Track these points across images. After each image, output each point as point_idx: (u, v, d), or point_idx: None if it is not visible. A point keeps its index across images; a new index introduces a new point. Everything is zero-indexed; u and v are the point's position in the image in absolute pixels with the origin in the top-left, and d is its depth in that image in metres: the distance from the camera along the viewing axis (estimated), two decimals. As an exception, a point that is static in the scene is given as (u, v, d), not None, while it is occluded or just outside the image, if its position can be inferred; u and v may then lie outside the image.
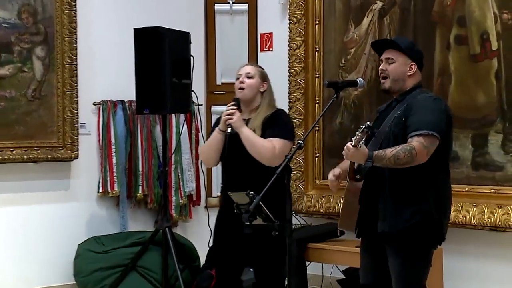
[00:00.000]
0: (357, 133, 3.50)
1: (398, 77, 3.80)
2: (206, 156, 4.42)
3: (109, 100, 5.68)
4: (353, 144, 3.49)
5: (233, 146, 4.24)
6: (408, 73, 3.80)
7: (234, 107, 4.23)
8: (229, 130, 4.20)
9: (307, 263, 5.20)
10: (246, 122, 4.28)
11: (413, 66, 3.81)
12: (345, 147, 3.54)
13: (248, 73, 4.32)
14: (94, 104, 5.67)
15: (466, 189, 4.80)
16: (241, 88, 4.29)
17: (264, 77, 4.36)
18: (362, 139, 3.49)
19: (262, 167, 4.15)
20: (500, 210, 4.64)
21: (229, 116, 4.21)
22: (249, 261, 4.40)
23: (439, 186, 3.73)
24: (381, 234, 3.72)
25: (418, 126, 3.61)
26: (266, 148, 4.14)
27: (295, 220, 5.49)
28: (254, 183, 3.86)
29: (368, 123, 3.51)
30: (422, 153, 3.57)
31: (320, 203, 5.55)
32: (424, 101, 3.71)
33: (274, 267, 4.28)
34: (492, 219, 4.64)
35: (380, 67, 3.86)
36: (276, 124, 4.26)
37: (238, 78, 4.33)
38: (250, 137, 4.18)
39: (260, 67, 4.42)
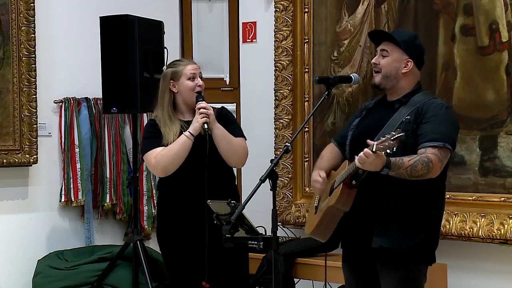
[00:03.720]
0: (382, 138, 3.48)
1: (390, 73, 3.83)
2: (172, 166, 4.41)
3: (72, 98, 5.66)
4: (374, 150, 3.47)
5: (200, 148, 4.33)
6: (403, 70, 3.83)
7: (205, 102, 4.38)
8: (205, 126, 4.32)
9: (295, 280, 5.19)
10: (190, 123, 4.42)
11: (409, 63, 3.82)
12: (362, 153, 3.52)
13: (200, 73, 4.51)
14: (55, 102, 5.64)
15: (473, 197, 4.81)
16: (199, 92, 4.44)
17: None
18: (390, 148, 3.47)
19: (227, 171, 4.39)
20: (511, 221, 4.65)
21: (206, 111, 4.33)
22: (208, 277, 4.43)
23: (441, 202, 3.82)
24: (377, 250, 3.74)
25: (433, 137, 3.65)
26: (242, 147, 4.36)
27: (282, 233, 5.48)
28: (221, 188, 4.21)
29: (403, 133, 3.49)
30: (437, 166, 3.63)
31: (310, 213, 5.54)
32: (436, 109, 3.74)
33: (237, 283, 4.40)
34: (502, 231, 4.64)
35: (373, 60, 3.90)
36: (233, 124, 4.50)
37: (191, 78, 4.45)
38: (227, 135, 4.35)
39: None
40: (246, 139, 4.51)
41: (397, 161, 3.59)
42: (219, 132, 4.34)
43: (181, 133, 4.39)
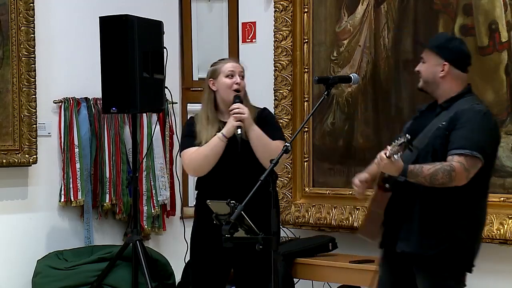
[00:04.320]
0: (393, 143, 3.52)
1: (428, 78, 3.83)
2: (203, 167, 4.33)
3: (71, 98, 5.65)
4: (388, 155, 3.50)
5: (232, 150, 4.25)
6: (440, 74, 3.79)
7: (241, 104, 4.25)
8: (239, 131, 4.20)
9: (295, 280, 5.20)
10: None
11: (445, 66, 3.79)
12: (378, 156, 3.58)
13: (242, 72, 4.38)
14: (55, 102, 5.64)
15: (473, 197, 4.80)
16: (237, 90, 4.32)
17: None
18: (398, 153, 3.50)
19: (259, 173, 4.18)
20: (510, 221, 4.65)
21: (239, 115, 4.21)
22: (232, 280, 4.43)
23: (476, 211, 3.76)
24: (402, 254, 3.77)
25: (461, 144, 3.62)
26: (277, 148, 4.09)
27: (282, 233, 5.48)
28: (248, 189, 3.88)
29: (408, 136, 3.52)
30: (461, 175, 3.60)
31: (309, 213, 5.54)
32: (472, 115, 3.69)
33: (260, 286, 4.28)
34: (502, 231, 4.65)
35: (416, 68, 3.89)
36: (272, 125, 4.36)
37: (229, 76, 4.34)
38: (263, 136, 4.23)
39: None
40: (285, 141, 4.31)
41: (416, 169, 3.60)
42: (255, 134, 4.23)
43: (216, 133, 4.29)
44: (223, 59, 4.51)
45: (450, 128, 3.68)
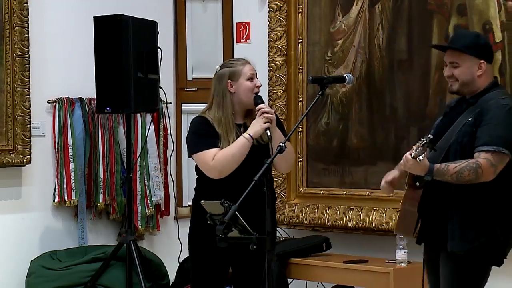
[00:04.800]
0: (418, 143, 3.54)
1: (467, 80, 3.82)
2: (229, 168, 4.23)
3: (65, 98, 5.64)
4: (413, 156, 3.53)
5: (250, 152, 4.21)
6: (478, 73, 3.81)
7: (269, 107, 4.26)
8: (268, 132, 4.15)
9: (289, 280, 5.19)
10: (244, 127, 4.30)
11: (482, 65, 3.80)
12: (404, 157, 3.63)
13: (257, 73, 4.37)
14: (49, 102, 5.63)
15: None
16: (257, 93, 4.30)
17: None
18: (423, 154, 3.53)
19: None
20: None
21: (269, 115, 4.17)
22: (230, 280, 4.44)
23: (507, 205, 3.76)
24: (451, 253, 3.78)
25: (487, 141, 3.65)
26: (293, 153, 4.19)
27: (277, 233, 5.47)
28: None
29: (430, 136, 3.54)
30: (488, 171, 3.63)
31: (304, 213, 5.54)
32: (497, 110, 3.71)
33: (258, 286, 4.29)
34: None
35: (446, 73, 3.87)
36: (282, 127, 4.34)
37: (250, 79, 4.31)
38: (283, 138, 4.18)
39: None
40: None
41: (442, 168, 3.64)
42: (278, 135, 4.20)
43: (236, 136, 4.25)
44: (237, 60, 4.44)
45: (477, 124, 3.71)
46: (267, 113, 4.17)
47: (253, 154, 4.18)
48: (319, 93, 3.94)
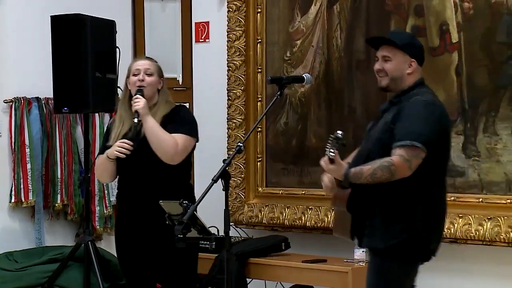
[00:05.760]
0: (328, 142, 3.55)
1: (396, 75, 3.84)
2: (102, 178, 4.80)
3: (22, 97, 5.60)
4: (328, 157, 3.53)
5: (140, 147, 4.35)
6: (408, 71, 3.83)
7: (140, 95, 4.37)
8: (135, 120, 4.32)
9: (248, 280, 5.19)
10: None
11: (412, 63, 3.84)
12: (321, 161, 3.64)
13: (148, 69, 4.47)
14: (5, 101, 5.59)
15: (424, 196, 4.85)
16: (140, 86, 4.42)
17: (161, 74, 4.53)
18: (331, 149, 3.54)
19: (166, 168, 4.32)
20: (460, 220, 4.70)
21: (119, 149, 4.34)
22: (158, 276, 4.50)
23: (430, 201, 3.78)
24: (374, 250, 3.80)
25: (401, 136, 3.65)
26: (169, 142, 4.30)
27: (235, 233, 5.48)
28: (159, 185, 4.22)
29: (338, 132, 3.55)
30: (403, 167, 3.63)
31: (263, 213, 5.55)
32: (414, 106, 3.73)
33: (182, 282, 4.42)
34: (452, 230, 4.70)
35: (376, 67, 3.89)
36: (177, 120, 4.43)
37: (135, 74, 4.45)
38: (155, 128, 4.32)
39: (157, 62, 4.57)
40: (187, 134, 4.40)
41: (357, 172, 3.66)
42: (148, 124, 4.31)
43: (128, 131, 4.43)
44: (137, 57, 4.74)
45: (395, 121, 3.72)
46: (119, 146, 4.35)
47: (142, 147, 4.34)
48: (278, 93, 3.95)
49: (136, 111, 4.32)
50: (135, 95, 4.39)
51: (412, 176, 3.66)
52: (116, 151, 4.33)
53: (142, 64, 4.48)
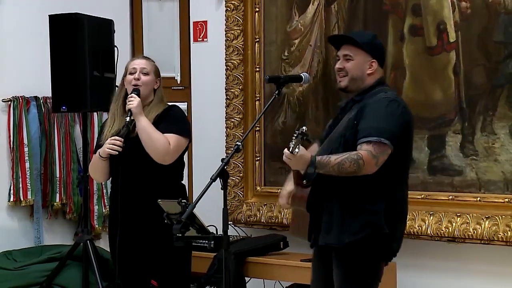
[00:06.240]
0: (293, 137, 3.54)
1: (356, 75, 3.85)
2: (95, 178, 4.78)
3: (20, 97, 5.60)
4: (290, 150, 3.52)
5: (129, 145, 4.37)
6: (368, 71, 3.85)
7: (135, 95, 4.39)
8: (127, 118, 4.34)
9: (246, 279, 5.20)
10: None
11: (373, 64, 3.86)
12: (284, 154, 3.63)
13: (144, 68, 4.49)
14: (4, 101, 5.58)
15: (422, 195, 4.86)
16: (136, 85, 4.43)
17: (158, 74, 4.56)
18: (298, 145, 3.53)
19: (158, 168, 4.33)
20: (458, 219, 4.71)
21: (111, 147, 4.35)
22: (152, 274, 4.50)
23: (392, 198, 3.78)
24: (325, 247, 3.77)
25: (368, 132, 3.66)
26: (161, 142, 4.32)
27: (233, 232, 5.48)
28: (151, 185, 4.31)
29: (303, 128, 3.54)
30: (370, 163, 3.63)
31: (261, 212, 5.55)
32: (377, 103, 3.75)
33: (177, 280, 4.44)
34: (450, 229, 4.70)
35: (337, 65, 3.90)
36: (169, 120, 4.45)
37: (132, 73, 4.48)
38: (147, 127, 4.34)
39: (154, 62, 4.59)
40: (179, 134, 4.41)
41: (323, 160, 3.63)
42: (140, 123, 4.33)
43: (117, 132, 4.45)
44: (134, 58, 4.70)
45: (358, 118, 3.73)
46: (110, 143, 4.36)
47: (135, 146, 4.36)
48: (276, 93, 3.96)
49: (129, 110, 4.33)
50: (131, 93, 4.40)
51: (375, 172, 3.66)
52: (108, 148, 4.34)
53: (138, 63, 4.50)
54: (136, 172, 4.38)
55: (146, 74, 4.47)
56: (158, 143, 4.30)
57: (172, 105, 4.60)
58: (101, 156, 4.40)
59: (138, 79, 4.44)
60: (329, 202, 3.77)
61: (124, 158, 4.36)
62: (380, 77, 3.91)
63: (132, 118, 4.34)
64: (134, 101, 4.34)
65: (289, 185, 3.99)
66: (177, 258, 4.40)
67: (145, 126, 4.33)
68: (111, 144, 4.33)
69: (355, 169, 3.61)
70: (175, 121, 4.47)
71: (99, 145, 4.50)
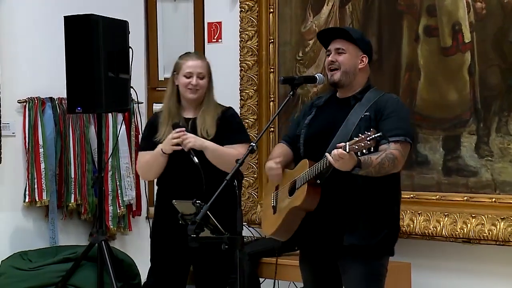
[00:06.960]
0: (356, 139, 3.47)
1: (349, 69, 3.88)
2: (149, 175, 4.64)
3: (36, 97, 5.62)
4: (347, 150, 3.48)
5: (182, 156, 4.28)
6: (359, 66, 3.88)
7: (183, 130, 4.30)
8: (196, 160, 4.23)
9: (260, 280, 5.19)
10: (193, 121, 4.39)
11: (364, 59, 3.90)
12: (336, 153, 3.52)
13: (200, 73, 4.42)
14: (19, 101, 5.60)
15: (437, 196, 4.84)
16: (195, 89, 4.39)
17: (210, 73, 4.50)
18: (366, 149, 3.47)
19: (218, 174, 4.20)
20: (473, 220, 4.68)
21: (177, 141, 4.25)
22: (194, 278, 4.47)
23: (399, 198, 3.89)
24: (349, 247, 3.77)
25: (395, 133, 3.70)
26: (233, 157, 4.11)
27: (248, 232, 5.47)
28: (206, 186, 4.12)
29: (380, 133, 3.50)
30: (401, 161, 3.70)
31: (275, 212, 5.54)
32: (396, 104, 3.82)
33: (222, 285, 4.37)
34: (465, 230, 4.68)
35: (329, 58, 3.91)
36: (233, 128, 4.41)
37: (187, 77, 4.39)
38: (217, 150, 4.30)
39: (207, 60, 4.53)
40: (246, 143, 4.37)
41: (367, 160, 3.61)
42: (209, 150, 4.28)
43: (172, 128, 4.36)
44: (188, 54, 4.56)
45: (378, 118, 3.76)
46: (175, 143, 4.27)
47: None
48: (290, 93, 3.95)
49: (190, 149, 4.25)
50: (174, 128, 4.32)
51: (391, 174, 3.71)
52: (172, 144, 4.27)
53: (194, 66, 4.43)
54: (192, 172, 4.27)
55: (202, 78, 4.43)
56: (230, 159, 4.11)
57: (228, 107, 4.56)
58: (164, 153, 4.32)
59: (196, 85, 4.40)
60: (354, 202, 3.77)
61: (180, 158, 4.29)
62: (369, 77, 3.95)
63: (195, 153, 4.25)
64: (189, 140, 4.26)
65: (278, 159, 3.99)
66: (221, 264, 4.37)
67: (214, 150, 4.29)
68: (175, 139, 4.25)
69: (391, 168, 3.66)
70: (238, 128, 4.47)
71: (153, 142, 4.40)
